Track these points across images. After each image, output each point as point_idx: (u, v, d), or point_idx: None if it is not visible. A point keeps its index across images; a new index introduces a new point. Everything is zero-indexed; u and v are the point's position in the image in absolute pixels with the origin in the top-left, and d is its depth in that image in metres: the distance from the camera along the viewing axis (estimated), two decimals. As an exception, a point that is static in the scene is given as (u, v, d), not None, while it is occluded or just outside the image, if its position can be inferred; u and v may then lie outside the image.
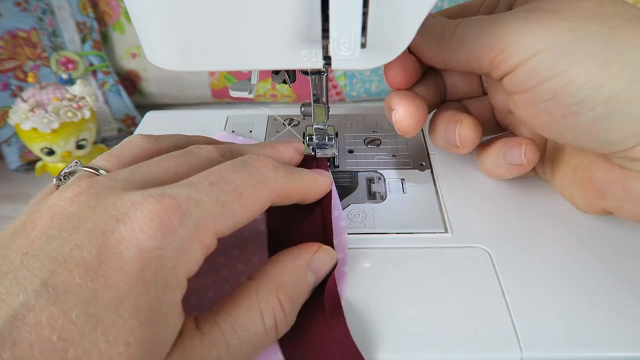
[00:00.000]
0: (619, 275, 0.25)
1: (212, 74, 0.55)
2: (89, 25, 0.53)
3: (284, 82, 0.29)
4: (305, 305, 0.23)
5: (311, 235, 0.26)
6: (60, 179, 0.23)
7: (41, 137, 0.44)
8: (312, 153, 0.32)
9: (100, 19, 0.54)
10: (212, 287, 0.25)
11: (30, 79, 0.44)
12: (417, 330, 0.23)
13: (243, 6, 0.20)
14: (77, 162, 0.24)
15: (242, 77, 0.48)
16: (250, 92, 0.28)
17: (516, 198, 0.30)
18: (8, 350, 0.15)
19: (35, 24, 0.50)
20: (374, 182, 0.32)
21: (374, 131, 0.37)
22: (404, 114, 0.28)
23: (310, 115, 0.32)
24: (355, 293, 0.25)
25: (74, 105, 0.44)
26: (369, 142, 0.36)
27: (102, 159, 0.23)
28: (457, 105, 0.31)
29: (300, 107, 0.34)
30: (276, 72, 0.28)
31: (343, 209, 0.30)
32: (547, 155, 0.29)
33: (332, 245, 0.25)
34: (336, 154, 0.33)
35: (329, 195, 0.27)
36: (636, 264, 0.26)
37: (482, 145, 0.30)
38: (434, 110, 0.31)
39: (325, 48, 0.22)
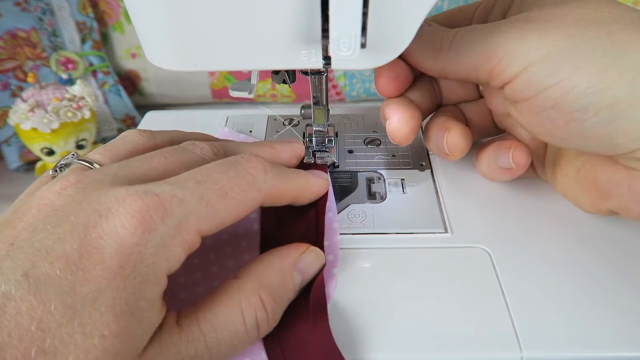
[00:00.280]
0: (619, 275, 0.25)
1: (212, 74, 0.55)
2: (89, 25, 0.52)
3: (284, 82, 0.29)
4: (291, 305, 0.23)
5: (304, 237, 0.25)
6: (57, 170, 0.23)
7: (41, 137, 0.44)
8: (312, 160, 0.32)
9: (100, 19, 0.54)
10: (202, 283, 0.25)
11: (30, 79, 0.44)
12: (417, 330, 0.23)
13: (243, 6, 0.20)
14: (73, 155, 0.24)
15: (242, 77, 0.48)
16: (250, 92, 0.28)
17: (516, 198, 0.30)
18: None
19: (35, 24, 0.50)
20: (373, 182, 0.32)
21: (373, 131, 0.37)
22: (399, 124, 0.27)
23: (310, 118, 0.32)
24: (355, 293, 0.25)
25: (74, 105, 0.44)
26: (368, 142, 0.36)
27: (97, 153, 0.23)
28: (453, 110, 0.31)
29: (300, 110, 0.34)
30: (276, 72, 0.28)
31: (343, 209, 0.30)
32: (549, 156, 0.29)
33: (322, 247, 0.25)
34: (336, 160, 0.33)
35: (324, 196, 0.27)
36: (636, 264, 0.26)
37: (480, 148, 0.30)
38: (430, 115, 0.30)
39: (325, 48, 0.22)
